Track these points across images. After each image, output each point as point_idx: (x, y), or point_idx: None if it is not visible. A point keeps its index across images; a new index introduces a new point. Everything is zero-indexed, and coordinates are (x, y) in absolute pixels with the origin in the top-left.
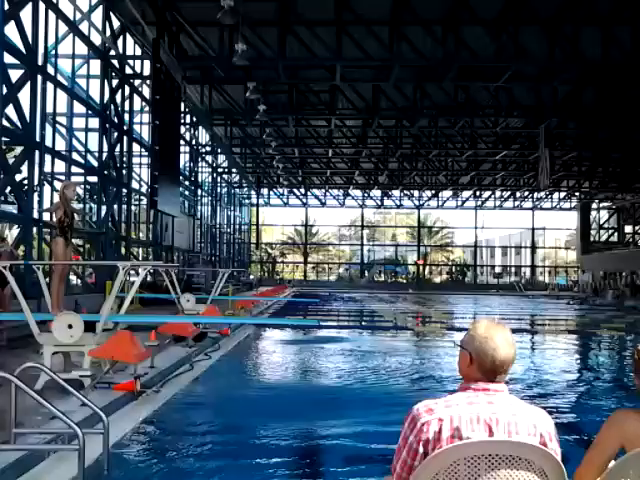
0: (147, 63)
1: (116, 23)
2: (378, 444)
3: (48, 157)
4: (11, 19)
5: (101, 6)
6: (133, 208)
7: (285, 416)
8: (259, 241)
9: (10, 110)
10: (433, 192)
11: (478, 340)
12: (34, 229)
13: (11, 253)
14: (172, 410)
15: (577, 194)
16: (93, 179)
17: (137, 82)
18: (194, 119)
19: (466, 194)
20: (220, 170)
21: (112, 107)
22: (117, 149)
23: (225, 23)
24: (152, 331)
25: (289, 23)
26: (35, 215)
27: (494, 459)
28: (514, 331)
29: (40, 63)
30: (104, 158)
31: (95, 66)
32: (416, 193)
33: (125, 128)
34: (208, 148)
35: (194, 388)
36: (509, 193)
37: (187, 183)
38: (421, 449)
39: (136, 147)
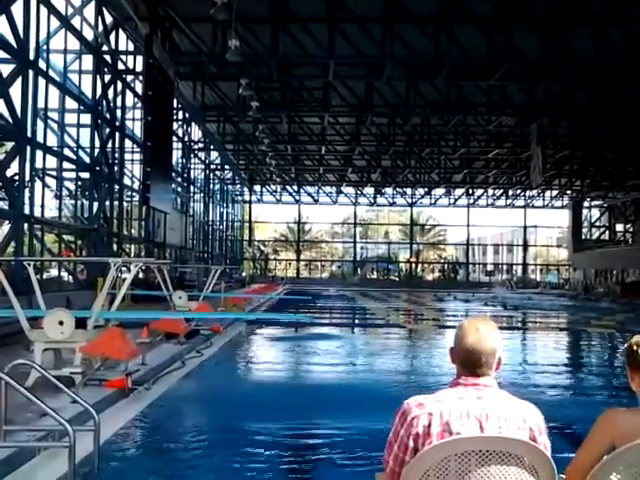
0: (140, 59)
1: (108, 18)
2: (369, 441)
3: (39, 153)
4: (2, 13)
5: (93, 1)
6: (125, 204)
7: (276, 413)
8: (252, 238)
9: (1, 105)
10: (426, 190)
11: (458, 331)
12: (25, 225)
13: None
14: (163, 407)
15: (569, 192)
16: (85, 175)
17: (129, 78)
18: (187, 115)
19: (458, 192)
20: (213, 167)
21: (104, 103)
22: (109, 145)
23: (218, 19)
24: (144, 328)
25: (282, 20)
26: (26, 211)
27: (485, 455)
28: None
29: (32, 58)
30: (96, 154)
31: (87, 61)
32: (409, 191)
33: (117, 124)
34: (201, 144)
35: (185, 385)
36: (501, 191)
37: (179, 180)
38: (411, 443)
39: (128, 143)
